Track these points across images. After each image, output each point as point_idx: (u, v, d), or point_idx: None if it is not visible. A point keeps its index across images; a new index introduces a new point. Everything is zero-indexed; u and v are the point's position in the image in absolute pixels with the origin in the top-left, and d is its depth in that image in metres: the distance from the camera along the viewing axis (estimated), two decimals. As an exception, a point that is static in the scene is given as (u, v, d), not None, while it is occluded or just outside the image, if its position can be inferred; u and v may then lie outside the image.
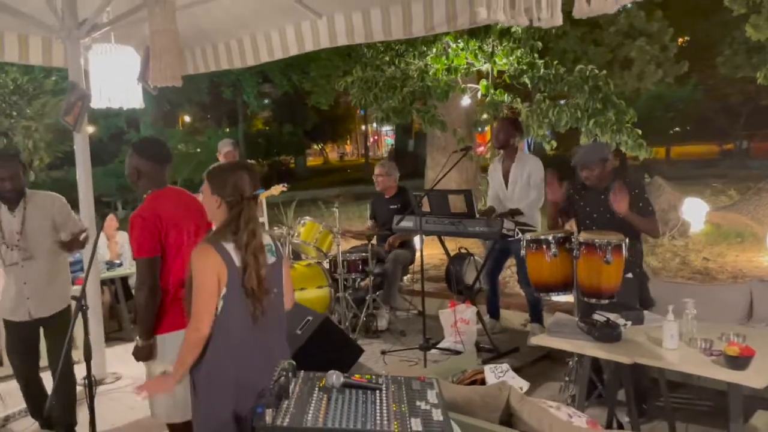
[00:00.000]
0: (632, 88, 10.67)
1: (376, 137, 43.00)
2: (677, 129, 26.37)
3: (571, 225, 4.14)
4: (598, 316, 3.28)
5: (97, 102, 4.71)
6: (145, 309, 2.87)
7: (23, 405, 4.22)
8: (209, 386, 2.34)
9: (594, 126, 6.85)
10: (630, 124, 7.06)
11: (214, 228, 2.50)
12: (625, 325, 3.32)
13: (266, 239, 2.51)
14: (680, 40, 14.55)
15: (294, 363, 2.00)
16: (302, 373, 2.05)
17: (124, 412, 4.21)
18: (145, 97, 4.98)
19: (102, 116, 15.29)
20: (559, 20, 1.79)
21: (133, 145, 3.16)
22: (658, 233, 4.07)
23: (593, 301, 3.53)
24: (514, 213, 4.82)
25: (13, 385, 3.98)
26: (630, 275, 3.57)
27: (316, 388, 1.92)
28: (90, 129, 5.02)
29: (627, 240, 3.48)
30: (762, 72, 8.85)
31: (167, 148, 3.21)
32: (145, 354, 2.93)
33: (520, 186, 4.99)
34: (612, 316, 3.30)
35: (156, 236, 2.87)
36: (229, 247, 2.33)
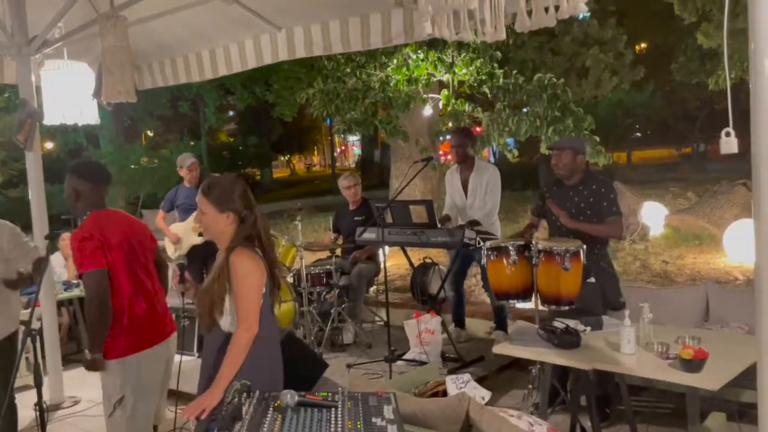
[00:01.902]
0: (590, 96, 10.87)
1: (343, 148, 42.99)
2: (638, 134, 26.99)
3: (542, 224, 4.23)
4: (558, 323, 3.32)
5: (51, 119, 4.62)
6: (96, 323, 2.82)
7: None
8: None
9: (553, 134, 6.97)
10: (588, 131, 7.19)
11: (227, 241, 2.50)
12: (584, 331, 3.37)
13: None
14: (638, 47, 14.91)
15: (248, 383, 1.97)
16: (257, 392, 2.02)
17: (83, 436, 4.10)
18: (104, 112, 4.89)
19: (60, 132, 14.98)
20: (502, 35, 1.81)
21: (71, 168, 3.12)
22: (618, 236, 4.13)
23: (552, 307, 3.56)
24: (473, 224, 4.86)
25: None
26: (592, 279, 3.61)
27: (271, 409, 1.89)
28: (48, 145, 4.90)
29: (585, 246, 3.53)
30: (713, 78, 9.11)
31: (106, 170, 3.23)
32: (94, 365, 2.87)
33: (480, 195, 5.04)
34: (571, 323, 3.35)
35: (101, 252, 2.84)
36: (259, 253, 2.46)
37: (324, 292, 5.73)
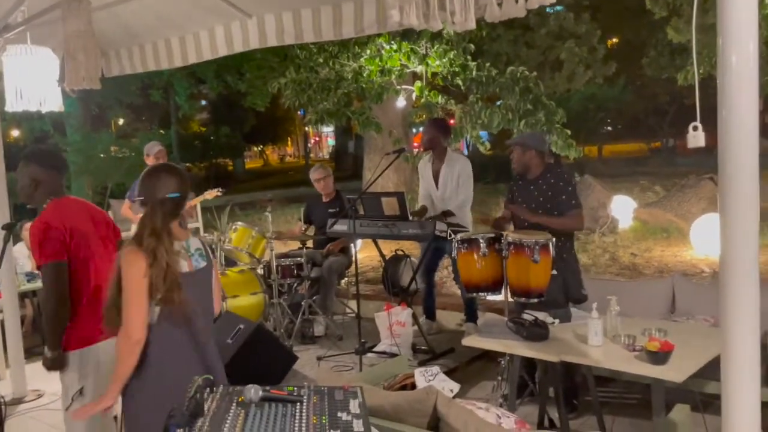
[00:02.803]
0: (563, 89, 10.95)
1: (317, 139, 42.76)
2: (609, 128, 27.34)
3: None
4: (527, 316, 3.33)
5: (13, 105, 4.47)
6: (54, 318, 2.75)
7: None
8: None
9: (525, 127, 6.99)
10: (560, 125, 7.23)
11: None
12: (553, 323, 3.39)
13: (196, 243, 2.49)
14: (610, 41, 15.05)
15: (211, 378, 1.93)
16: (221, 387, 1.98)
17: (45, 430, 4.00)
18: (71, 99, 4.77)
19: (25, 119, 14.60)
20: (472, 24, 1.79)
21: (28, 155, 3.02)
22: (579, 227, 4.18)
23: (522, 300, 3.57)
24: (446, 214, 4.86)
25: None
26: (554, 272, 3.64)
27: (234, 404, 1.85)
28: (14, 133, 4.76)
29: (554, 239, 3.55)
30: (682, 73, 9.24)
31: (63, 157, 3.18)
32: (57, 364, 2.80)
33: (451, 187, 5.05)
34: (540, 315, 3.36)
35: (61, 242, 2.76)
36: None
37: (295, 284, 5.69)
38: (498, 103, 7.73)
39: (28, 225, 5.77)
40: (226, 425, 1.72)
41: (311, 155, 37.53)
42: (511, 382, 3.49)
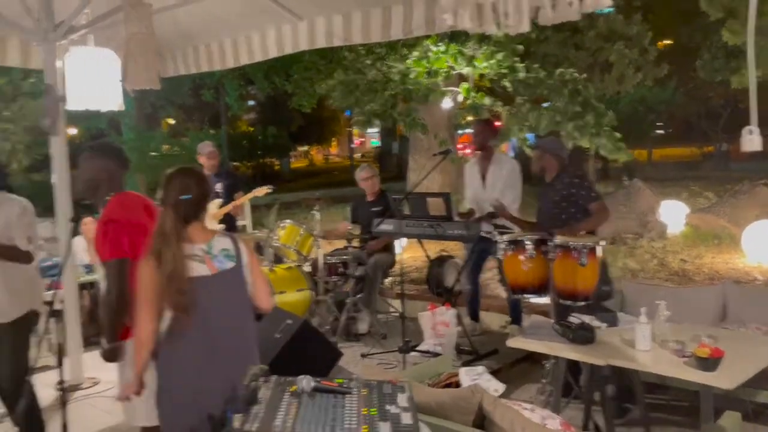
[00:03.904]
0: (612, 92, 10.77)
1: (362, 139, 42.99)
2: (659, 132, 26.68)
3: None
4: (574, 319, 3.32)
5: (75, 104, 4.68)
6: (114, 312, 2.85)
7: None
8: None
9: (573, 129, 6.92)
10: (609, 128, 7.14)
11: None
12: (600, 327, 3.37)
13: (224, 243, 2.49)
14: (661, 43, 14.71)
15: (265, 367, 2.00)
16: (274, 377, 2.05)
17: (102, 417, 4.17)
18: (126, 99, 4.94)
19: (83, 118, 15.14)
20: (526, 26, 1.81)
21: (97, 148, 3.12)
22: (607, 217, 4.21)
23: (568, 303, 3.56)
24: (491, 215, 4.87)
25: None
26: None
27: (287, 393, 1.92)
28: (72, 131, 4.97)
29: (603, 242, 3.53)
30: (737, 77, 8.98)
31: (125, 153, 3.24)
32: (113, 355, 2.90)
33: (498, 187, 5.05)
34: (587, 319, 3.35)
35: (126, 239, 2.86)
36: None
37: (340, 282, 5.77)
38: (545, 105, 7.68)
39: (86, 220, 6.03)
40: (281, 413, 1.79)
41: (355, 156, 37.74)
42: (556, 384, 3.48)
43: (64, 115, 4.76)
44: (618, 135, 7.21)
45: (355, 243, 5.98)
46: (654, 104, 21.52)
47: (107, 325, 2.89)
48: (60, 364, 2.73)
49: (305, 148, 37.84)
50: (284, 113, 24.73)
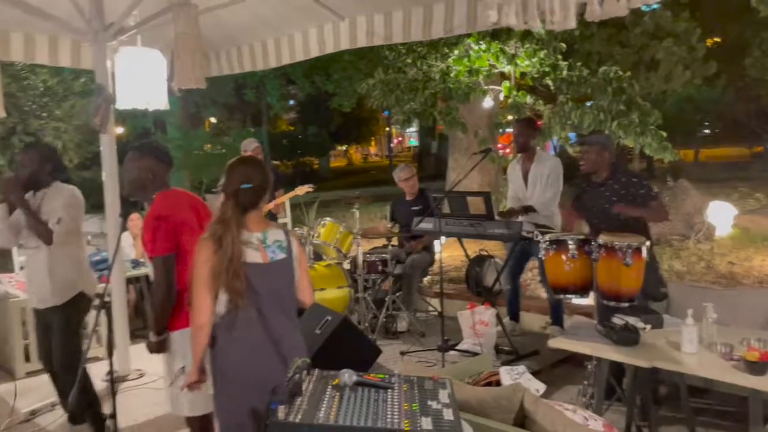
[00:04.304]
0: (659, 90, 10.52)
1: (400, 138, 43.01)
2: (707, 131, 25.95)
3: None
4: (617, 320, 3.27)
5: (123, 103, 4.81)
6: (161, 306, 2.93)
7: (50, 399, 4.34)
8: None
9: (617, 128, 6.79)
10: (654, 127, 6.98)
11: None
12: (644, 328, 3.31)
13: (278, 235, 2.55)
14: (709, 40, 14.31)
15: (308, 360, 2.03)
16: (316, 371, 2.08)
17: (147, 408, 4.27)
18: (171, 98, 5.05)
19: (129, 117, 15.54)
20: (572, 23, 1.79)
21: (143, 147, 3.20)
22: (665, 216, 4.16)
23: (612, 304, 3.50)
24: (527, 209, 4.83)
25: (44, 379, 4.05)
26: None
27: (329, 386, 1.95)
28: (119, 130, 5.12)
29: (648, 243, 3.46)
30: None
31: (169, 151, 3.34)
32: (158, 347, 3.00)
33: (541, 186, 5.00)
34: (631, 320, 3.29)
35: (172, 235, 2.94)
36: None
37: (379, 280, 5.79)
38: (588, 103, 7.55)
39: (133, 216, 6.19)
40: (323, 405, 1.81)
41: (394, 155, 37.79)
42: (599, 386, 3.43)
43: (113, 114, 4.90)
44: (663, 134, 7.04)
45: (394, 241, 6.00)
46: (701, 103, 20.92)
47: (154, 318, 2.98)
48: (110, 355, 2.80)
49: (344, 147, 38.06)
50: (324, 113, 24.94)
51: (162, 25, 4.84)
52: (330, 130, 28.50)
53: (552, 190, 4.97)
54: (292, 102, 27.95)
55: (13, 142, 8.63)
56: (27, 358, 5.07)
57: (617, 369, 3.64)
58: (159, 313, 2.96)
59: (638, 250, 3.40)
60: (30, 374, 5.00)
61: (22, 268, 6.72)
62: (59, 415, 4.19)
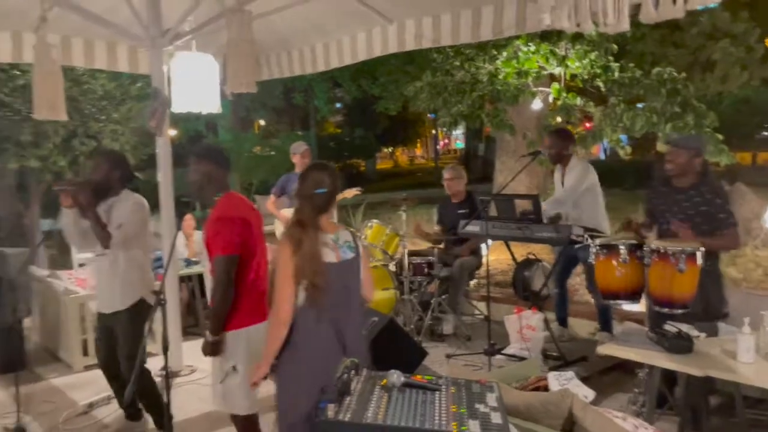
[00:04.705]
0: (714, 92, 10.19)
1: (446, 141, 42.86)
2: (765, 133, 25.01)
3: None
4: (670, 327, 3.20)
5: (178, 107, 4.95)
6: (221, 306, 2.99)
7: (107, 392, 4.49)
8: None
9: (671, 130, 6.62)
10: (710, 129, 6.78)
11: None
12: (698, 336, 3.22)
13: (346, 236, 2.68)
14: (768, 41, 13.78)
15: (357, 361, 2.06)
16: (365, 371, 2.10)
17: (198, 404, 4.39)
18: (223, 101, 5.17)
19: (182, 120, 15.94)
20: (626, 25, 1.76)
21: (202, 151, 3.30)
22: (736, 246, 3.89)
23: (665, 310, 3.42)
24: (553, 219, 4.81)
25: (101, 373, 4.19)
26: None
27: (378, 387, 1.97)
28: (172, 132, 5.27)
29: (702, 248, 3.37)
30: None
31: (227, 155, 3.40)
32: (214, 349, 3.05)
33: (575, 194, 4.94)
34: (684, 327, 3.21)
35: (235, 236, 3.01)
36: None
37: (425, 282, 5.80)
38: (640, 105, 7.38)
39: (186, 216, 6.36)
40: (371, 405, 1.84)
41: (440, 157, 37.68)
42: (650, 394, 3.35)
43: (168, 117, 5.05)
44: (720, 137, 6.83)
45: (441, 244, 6.00)
46: (759, 105, 20.17)
47: (214, 318, 3.03)
48: (165, 351, 2.89)
49: (390, 149, 38.15)
50: (370, 115, 25.07)
51: (216, 30, 4.97)
52: (376, 132, 28.62)
53: (590, 196, 4.91)
54: (339, 105, 28.20)
55: (74, 144, 8.96)
56: (85, 352, 5.26)
57: (669, 377, 3.56)
58: (218, 312, 3.01)
59: (692, 255, 3.32)
60: (87, 368, 5.19)
61: (81, 265, 7.00)
62: (115, 408, 4.35)
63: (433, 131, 36.67)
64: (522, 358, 4.59)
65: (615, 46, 7.30)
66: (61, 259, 9.26)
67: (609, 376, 4.57)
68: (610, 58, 7.25)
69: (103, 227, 3.66)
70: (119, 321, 3.78)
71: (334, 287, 2.55)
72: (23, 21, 5.00)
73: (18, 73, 8.40)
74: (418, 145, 42.58)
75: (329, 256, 2.57)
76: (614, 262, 3.59)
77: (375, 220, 6.01)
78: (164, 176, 5.01)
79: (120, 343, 3.78)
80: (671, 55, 9.40)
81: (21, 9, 4.81)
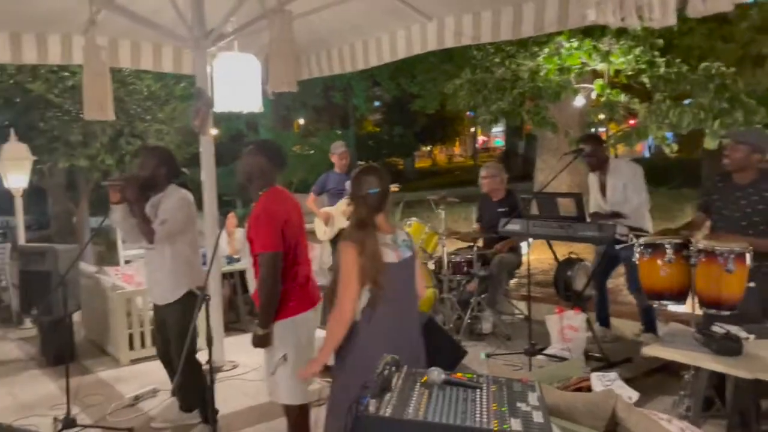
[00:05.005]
0: (765, 87, 9.86)
1: (485, 139, 42.53)
2: (820, 130, 24.08)
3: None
4: (717, 328, 3.11)
5: (221, 106, 5.03)
6: (269, 301, 3.04)
7: (152, 385, 4.61)
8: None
9: (720, 127, 6.43)
10: (760, 126, 6.56)
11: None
12: (747, 338, 3.13)
13: (402, 234, 2.74)
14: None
15: (397, 358, 2.07)
16: (405, 368, 2.11)
17: (241, 398, 4.47)
18: (264, 101, 5.24)
19: (224, 119, 16.20)
20: (672, 19, 1.72)
21: (256, 145, 3.34)
22: None
23: (712, 311, 3.34)
24: (615, 215, 4.67)
25: (153, 366, 4.28)
26: (752, 284, 3.34)
27: (418, 383, 1.97)
28: (213, 132, 5.35)
29: (752, 248, 3.27)
30: None
31: (286, 156, 3.43)
32: (264, 341, 3.10)
33: (618, 196, 4.86)
34: (733, 329, 3.12)
35: (280, 232, 3.05)
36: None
37: (464, 281, 5.77)
38: (687, 101, 7.20)
39: (230, 215, 6.47)
40: (412, 401, 1.84)
41: (479, 155, 37.41)
42: (696, 397, 3.27)
43: (212, 116, 5.14)
44: (771, 133, 6.61)
45: (480, 243, 5.96)
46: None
47: (262, 312, 3.08)
48: (209, 346, 2.95)
49: (428, 147, 38.05)
50: (409, 113, 25.06)
51: (257, 30, 5.04)
52: (415, 130, 28.60)
53: (638, 198, 4.80)
54: (377, 103, 28.28)
55: (120, 143, 9.22)
56: (131, 347, 5.40)
57: (717, 380, 3.47)
58: (266, 307, 3.06)
59: (741, 255, 3.22)
60: (133, 361, 5.33)
61: (127, 261, 7.19)
62: (160, 401, 4.46)
63: (472, 129, 36.41)
64: (563, 359, 4.53)
65: (660, 41, 7.12)
66: (108, 256, 9.53)
67: (653, 378, 4.48)
68: (656, 53, 7.08)
69: (147, 223, 3.75)
70: (169, 313, 3.87)
71: (396, 286, 2.62)
72: (72, 24, 5.17)
73: (67, 74, 8.69)
74: (457, 143, 42.36)
75: (390, 257, 2.62)
76: (659, 262, 3.51)
77: (414, 219, 6.01)
78: (207, 175, 5.10)
79: (171, 334, 3.88)
80: (719, 49, 9.12)
81: (70, 12, 4.97)
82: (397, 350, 2.45)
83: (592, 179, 5.18)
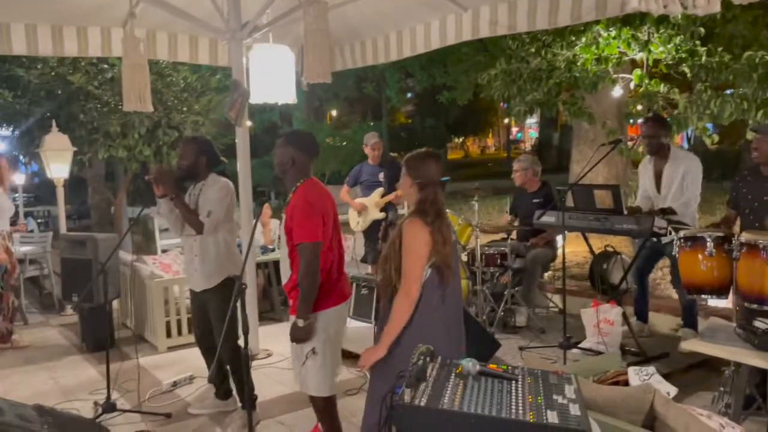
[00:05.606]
0: (812, 76, 9.53)
1: (518, 130, 42.09)
2: None
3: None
4: (760, 323, 3.04)
5: (256, 98, 5.06)
6: (309, 291, 3.04)
7: (189, 372, 4.70)
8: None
9: (763, 117, 6.23)
10: (806, 116, 6.34)
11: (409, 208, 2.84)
12: (792, 334, 3.05)
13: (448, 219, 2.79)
14: None
15: (432, 348, 2.07)
16: (440, 358, 2.11)
17: (274, 386, 4.52)
18: (298, 92, 5.26)
19: (258, 111, 16.34)
20: (717, 6, 1.67)
21: (289, 136, 3.35)
22: None
23: (754, 306, 3.26)
24: (665, 212, 4.54)
25: (189, 353, 4.32)
26: None
27: (453, 374, 1.97)
28: (248, 123, 5.40)
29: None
30: None
31: (317, 143, 3.42)
32: (304, 333, 3.08)
33: (675, 187, 4.66)
34: (776, 324, 3.05)
35: (320, 223, 3.06)
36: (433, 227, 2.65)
37: (497, 273, 5.73)
38: (729, 91, 6.99)
39: (265, 206, 6.52)
40: (447, 392, 1.84)
41: (513, 147, 37.06)
42: (737, 393, 3.20)
43: (247, 108, 5.18)
44: (817, 124, 6.38)
45: (514, 235, 5.91)
46: None
47: (302, 303, 3.06)
48: (245, 334, 2.99)
49: (461, 139, 37.83)
50: (441, 105, 24.95)
51: (291, 21, 5.05)
52: (447, 122, 28.44)
53: (689, 194, 4.61)
54: (409, 95, 28.19)
55: (157, 134, 9.38)
56: (168, 334, 5.50)
57: (758, 377, 3.39)
58: (306, 297, 3.05)
59: (786, 249, 3.14)
60: (171, 349, 5.44)
61: (164, 251, 7.33)
62: (197, 387, 4.54)
63: (505, 120, 36.06)
64: (598, 353, 4.47)
65: (702, 30, 6.92)
66: (146, 245, 9.73)
67: (692, 374, 4.39)
68: (697, 41, 6.88)
69: (193, 214, 3.81)
70: (210, 299, 3.92)
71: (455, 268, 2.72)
72: (112, 17, 5.26)
73: (106, 66, 8.86)
74: (490, 135, 42.01)
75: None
76: (699, 256, 3.44)
77: (447, 210, 5.96)
78: (243, 166, 5.16)
79: (213, 320, 3.93)
80: (764, 37, 8.84)
81: (110, 5, 5.06)
82: (449, 333, 2.59)
83: (645, 166, 4.98)
